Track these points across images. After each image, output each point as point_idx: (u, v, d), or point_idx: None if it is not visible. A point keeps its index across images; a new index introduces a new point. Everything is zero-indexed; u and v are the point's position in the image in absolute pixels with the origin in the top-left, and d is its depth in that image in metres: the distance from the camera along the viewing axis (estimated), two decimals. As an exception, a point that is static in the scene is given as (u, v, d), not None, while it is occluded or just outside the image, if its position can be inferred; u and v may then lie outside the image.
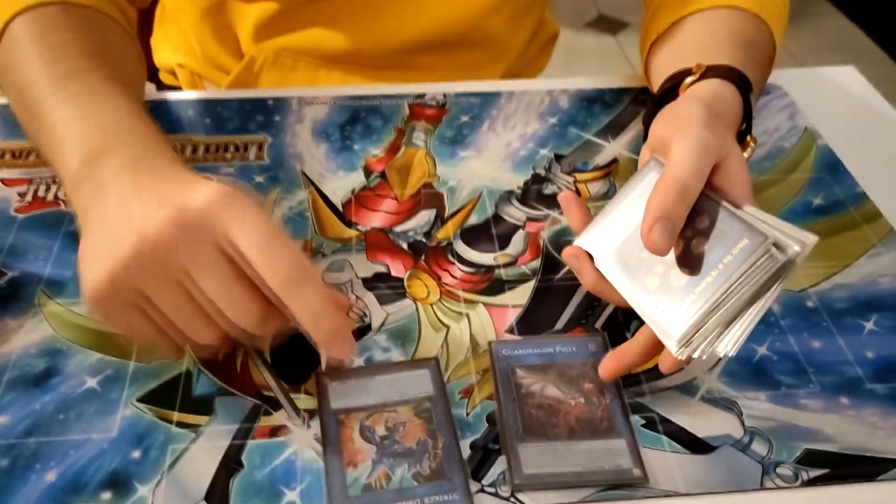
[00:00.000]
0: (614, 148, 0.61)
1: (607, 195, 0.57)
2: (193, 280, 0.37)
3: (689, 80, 0.50)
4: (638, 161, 0.48)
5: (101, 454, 0.40)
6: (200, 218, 0.37)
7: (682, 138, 0.42)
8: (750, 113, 0.50)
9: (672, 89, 0.51)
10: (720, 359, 0.46)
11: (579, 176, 0.58)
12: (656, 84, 0.55)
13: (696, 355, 0.39)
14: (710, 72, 0.49)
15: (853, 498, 0.40)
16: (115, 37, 0.55)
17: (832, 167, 0.60)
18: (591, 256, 0.44)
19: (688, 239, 0.41)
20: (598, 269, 0.44)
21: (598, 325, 0.48)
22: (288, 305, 0.37)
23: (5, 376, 0.43)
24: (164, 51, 0.81)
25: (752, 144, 0.51)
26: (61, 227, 0.52)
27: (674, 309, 0.40)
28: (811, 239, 0.39)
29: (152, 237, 0.37)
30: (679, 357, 0.39)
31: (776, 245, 0.39)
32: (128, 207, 0.39)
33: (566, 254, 0.46)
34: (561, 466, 0.40)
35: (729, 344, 0.38)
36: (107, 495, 0.38)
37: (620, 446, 0.41)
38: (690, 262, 0.41)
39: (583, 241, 0.45)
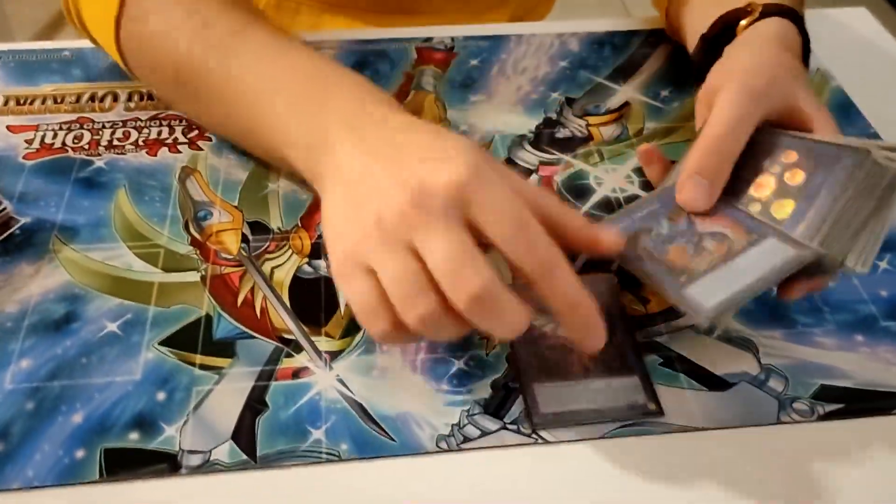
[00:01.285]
0: (626, 91, 0.60)
1: (619, 139, 0.57)
2: (422, 250, 0.35)
3: (745, 21, 0.49)
4: (695, 110, 0.47)
5: (126, 396, 0.40)
6: (443, 202, 0.35)
7: (724, 90, 0.41)
8: (808, 51, 0.50)
9: (726, 30, 0.50)
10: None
11: (591, 119, 0.58)
12: (690, 26, 0.54)
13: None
14: (767, 10, 0.48)
15: (868, 431, 0.41)
16: None
17: (845, 108, 0.60)
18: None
19: (778, 175, 0.41)
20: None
21: (613, 267, 0.48)
22: (543, 291, 0.35)
23: (25, 321, 0.43)
24: None
25: None
26: (71, 173, 0.52)
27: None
28: None
29: (392, 220, 0.35)
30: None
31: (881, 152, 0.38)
32: (369, 177, 0.37)
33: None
34: (577, 404, 0.41)
35: (859, 260, 0.38)
36: (134, 435, 0.39)
37: (634, 383, 0.42)
38: (790, 192, 0.40)
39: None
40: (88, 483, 0.37)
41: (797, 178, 0.41)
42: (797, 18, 0.49)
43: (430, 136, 0.38)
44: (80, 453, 0.38)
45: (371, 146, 0.39)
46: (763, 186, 0.42)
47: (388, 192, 0.36)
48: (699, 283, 0.38)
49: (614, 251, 0.39)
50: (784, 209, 0.40)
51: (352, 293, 0.37)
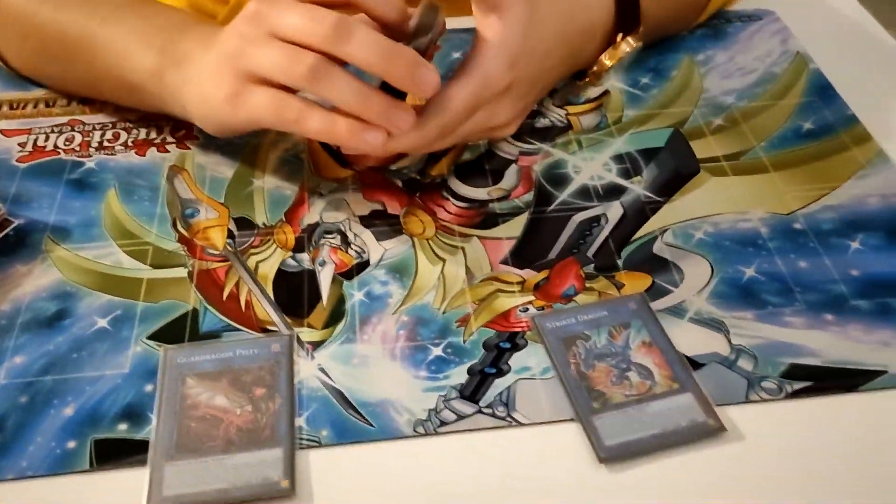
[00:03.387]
0: (605, 79, 0.61)
1: (599, 127, 0.58)
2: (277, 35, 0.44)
3: None
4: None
5: (115, 389, 0.42)
6: (247, 25, 0.45)
7: None
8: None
9: None
10: (708, 282, 0.47)
11: (571, 108, 0.59)
12: None
13: None
14: None
15: (835, 408, 0.42)
16: None
17: (823, 91, 0.60)
18: None
19: None
20: None
21: (590, 253, 0.49)
22: (348, 53, 0.43)
23: (19, 319, 0.45)
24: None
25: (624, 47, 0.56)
26: (63, 175, 0.54)
27: None
28: None
29: (234, 40, 0.45)
30: None
31: None
32: (207, 53, 0.48)
33: None
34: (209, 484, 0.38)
35: None
36: (123, 426, 0.40)
37: (276, 455, 0.39)
38: None
39: None
40: (79, 472, 0.39)
41: None
42: None
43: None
44: (71, 444, 0.40)
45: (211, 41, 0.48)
46: None
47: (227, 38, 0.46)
48: (607, 417, 0.40)
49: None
50: None
51: (256, 106, 0.46)
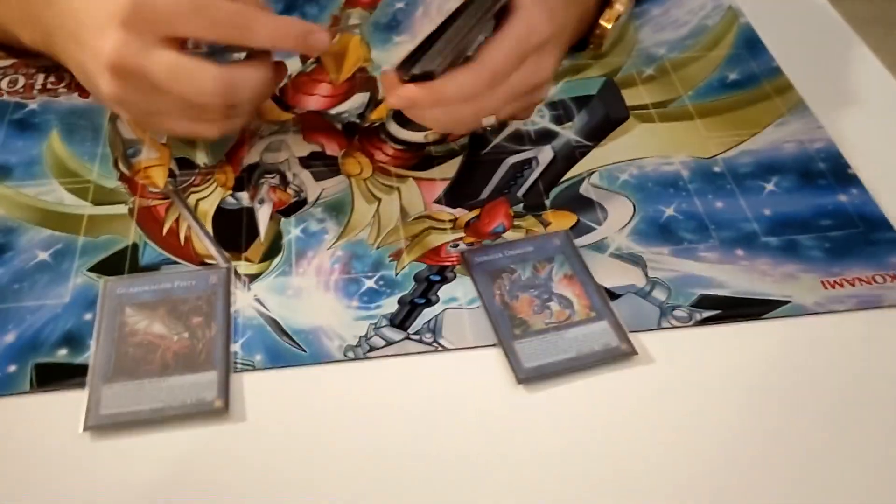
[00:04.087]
0: None
1: (535, 75, 0.60)
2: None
3: None
4: None
5: (55, 317, 0.43)
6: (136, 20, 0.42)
7: None
8: None
9: None
10: (629, 220, 0.50)
11: (509, 57, 0.61)
12: None
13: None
14: None
15: (742, 335, 0.45)
16: None
17: (751, 44, 0.63)
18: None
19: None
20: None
21: (520, 194, 0.51)
22: (250, 42, 0.43)
23: (-40, 252, 0.46)
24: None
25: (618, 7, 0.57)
26: (5, 116, 0.54)
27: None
28: None
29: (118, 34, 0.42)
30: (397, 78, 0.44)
31: None
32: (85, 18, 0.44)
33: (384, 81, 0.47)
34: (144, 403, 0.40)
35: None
36: (63, 351, 0.42)
37: (211, 377, 0.41)
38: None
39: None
40: (20, 394, 0.40)
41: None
42: None
43: None
44: (11, 368, 0.41)
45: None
46: None
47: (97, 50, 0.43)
48: (527, 342, 0.43)
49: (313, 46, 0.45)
50: None
51: (140, 115, 0.47)
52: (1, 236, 0.47)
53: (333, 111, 0.56)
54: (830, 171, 0.53)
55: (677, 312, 0.45)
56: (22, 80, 0.57)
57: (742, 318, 0.45)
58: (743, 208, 0.51)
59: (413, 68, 0.44)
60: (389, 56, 0.60)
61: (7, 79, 0.57)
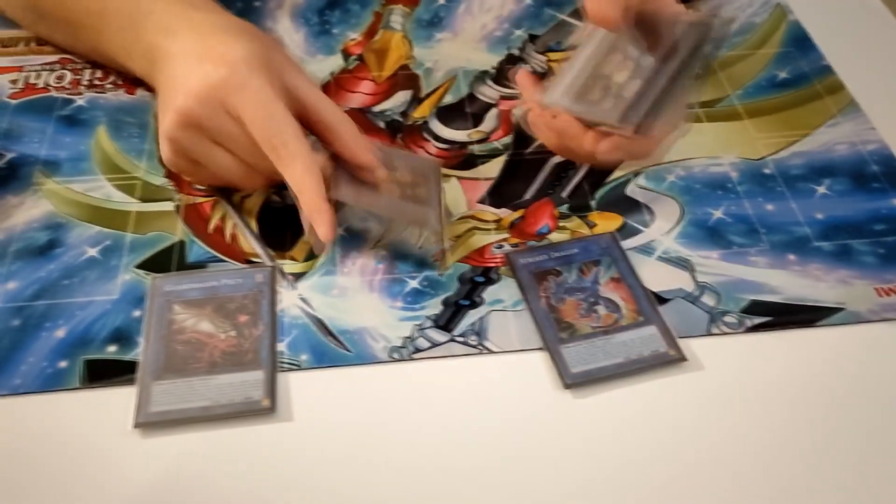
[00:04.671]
0: (588, 26, 0.62)
1: (580, 73, 0.59)
2: (224, 145, 0.45)
3: None
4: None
5: (105, 314, 0.44)
6: (212, 93, 0.43)
7: None
8: None
9: None
10: (677, 223, 0.49)
11: (552, 55, 0.60)
12: None
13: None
14: None
15: (793, 342, 0.44)
16: None
17: (800, 41, 0.61)
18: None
19: (626, 53, 0.46)
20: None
21: (565, 194, 0.51)
22: (280, 172, 0.44)
23: (11, 247, 0.46)
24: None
25: None
26: (53, 111, 0.55)
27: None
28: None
29: (179, 114, 0.43)
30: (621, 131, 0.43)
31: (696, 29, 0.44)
32: (170, 77, 0.45)
33: (531, 119, 0.47)
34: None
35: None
36: (112, 348, 0.42)
37: (258, 377, 0.41)
38: (629, 67, 0.45)
39: (545, 100, 0.46)
40: (70, 390, 0.41)
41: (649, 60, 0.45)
42: None
43: (219, 34, 0.46)
44: (62, 364, 0.42)
45: (181, 48, 0.46)
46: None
47: (176, 102, 0.44)
48: (574, 346, 0.42)
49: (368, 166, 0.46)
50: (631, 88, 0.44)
51: (203, 182, 0.49)
52: (51, 232, 0.47)
53: (376, 109, 0.56)
54: (884, 174, 0.52)
55: (727, 318, 0.44)
56: (69, 76, 0.57)
57: (794, 326, 0.44)
58: (794, 211, 0.49)
59: (641, 123, 0.43)
60: (431, 53, 0.60)
61: (54, 74, 0.57)
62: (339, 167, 0.46)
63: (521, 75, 0.49)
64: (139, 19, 0.49)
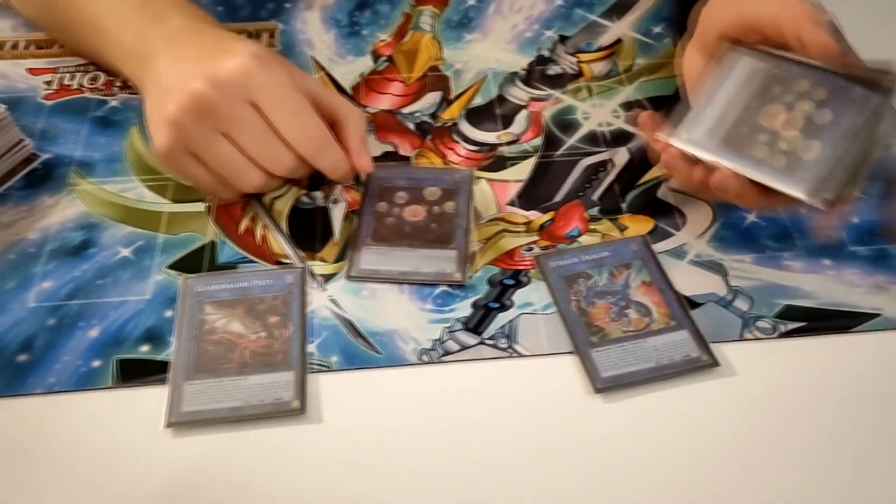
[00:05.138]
0: (619, 28, 0.62)
1: (609, 75, 0.58)
2: (233, 135, 0.44)
3: None
4: (680, 55, 0.49)
5: (137, 314, 0.44)
6: (234, 78, 0.43)
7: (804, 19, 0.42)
8: None
9: None
10: (709, 226, 0.48)
11: (583, 56, 0.60)
12: None
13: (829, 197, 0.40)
14: None
15: (829, 348, 0.43)
16: None
17: (836, 43, 0.60)
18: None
19: (789, 104, 0.43)
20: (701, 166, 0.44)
21: (596, 197, 0.50)
22: (316, 165, 0.46)
23: (46, 247, 0.47)
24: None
25: None
26: (87, 112, 0.55)
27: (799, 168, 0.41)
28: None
29: (193, 97, 0.43)
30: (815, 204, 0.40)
31: (871, 85, 0.41)
32: (174, 71, 0.45)
33: (665, 161, 0.45)
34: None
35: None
36: (145, 348, 0.43)
37: (288, 378, 0.41)
38: (798, 124, 0.42)
39: (679, 139, 0.45)
40: (104, 389, 0.41)
41: (824, 117, 0.42)
42: None
43: (231, 36, 0.47)
44: (96, 363, 0.42)
45: (182, 54, 0.46)
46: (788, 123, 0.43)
47: (190, 76, 0.43)
48: (605, 350, 0.42)
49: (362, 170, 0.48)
50: (811, 151, 0.42)
51: (188, 178, 0.46)
52: (85, 232, 0.48)
53: (406, 110, 0.56)
54: (922, 177, 0.51)
55: (760, 323, 0.44)
56: (102, 77, 0.58)
57: (829, 331, 0.43)
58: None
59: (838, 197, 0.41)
60: (461, 54, 0.60)
61: (88, 76, 0.58)
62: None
63: (644, 118, 0.47)
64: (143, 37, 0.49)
